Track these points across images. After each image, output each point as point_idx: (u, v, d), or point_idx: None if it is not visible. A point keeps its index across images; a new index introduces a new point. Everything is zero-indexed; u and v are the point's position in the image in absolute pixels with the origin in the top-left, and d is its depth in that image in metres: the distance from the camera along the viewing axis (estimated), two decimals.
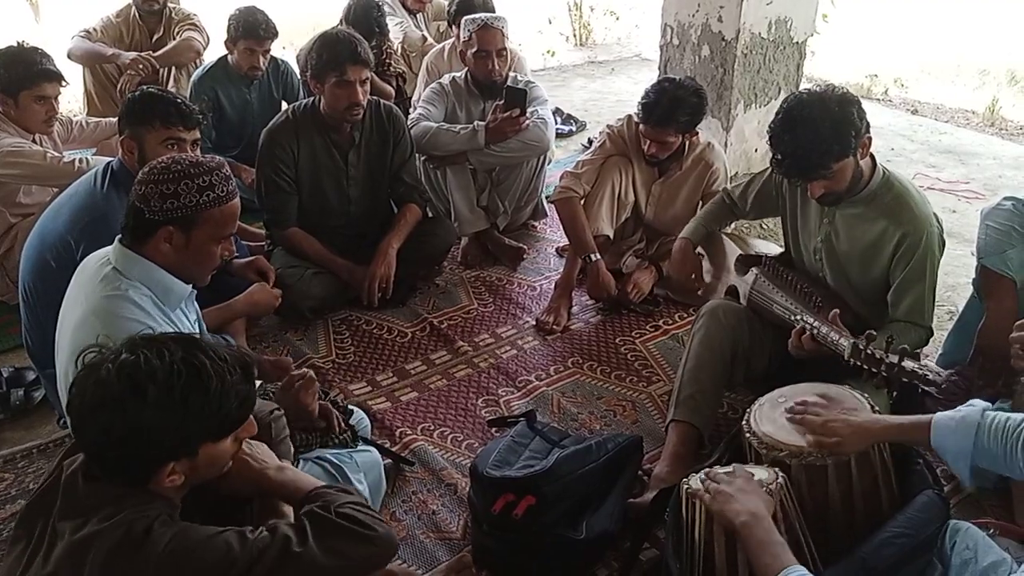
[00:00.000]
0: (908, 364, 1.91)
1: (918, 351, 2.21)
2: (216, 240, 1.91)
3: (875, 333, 2.00)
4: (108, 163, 2.46)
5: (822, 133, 2.13)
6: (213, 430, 1.35)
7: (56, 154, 3.13)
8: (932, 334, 2.39)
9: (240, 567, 1.29)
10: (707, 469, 1.80)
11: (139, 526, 1.27)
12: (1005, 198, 2.40)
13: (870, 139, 2.23)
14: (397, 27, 4.96)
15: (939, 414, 1.71)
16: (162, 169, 1.84)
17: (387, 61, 4.53)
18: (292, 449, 1.74)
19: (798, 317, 2.27)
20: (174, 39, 4.44)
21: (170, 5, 4.58)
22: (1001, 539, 1.83)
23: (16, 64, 3.05)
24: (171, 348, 1.32)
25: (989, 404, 1.72)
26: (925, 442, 1.71)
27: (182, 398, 1.28)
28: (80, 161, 3.08)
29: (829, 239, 2.43)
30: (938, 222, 2.34)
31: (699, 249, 2.90)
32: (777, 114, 2.24)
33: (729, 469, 1.75)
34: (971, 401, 1.74)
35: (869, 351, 1.97)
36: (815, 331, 2.16)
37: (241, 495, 1.54)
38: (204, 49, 4.55)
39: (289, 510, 1.53)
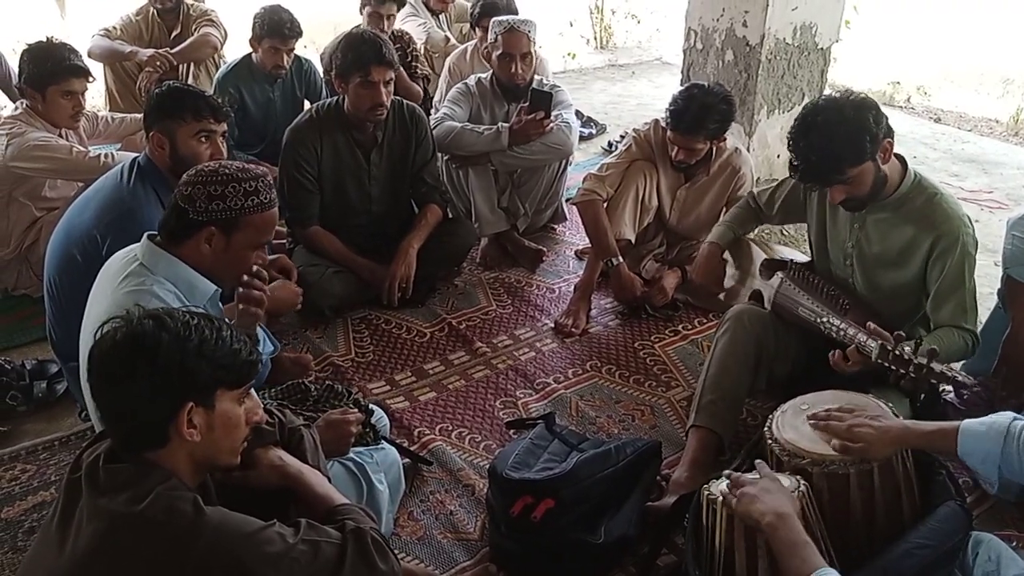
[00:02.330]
0: (937, 366, 1.89)
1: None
2: (253, 246, 1.97)
3: (904, 335, 1.99)
4: (134, 159, 2.48)
5: (836, 139, 2.13)
6: (228, 372, 1.38)
7: (82, 149, 3.16)
8: (978, 341, 2.29)
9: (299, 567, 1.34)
10: (729, 473, 1.78)
11: (182, 504, 1.29)
12: None
13: (891, 143, 2.21)
14: (420, 28, 4.98)
15: (967, 420, 1.69)
16: (210, 172, 1.89)
17: (414, 64, 4.55)
18: (324, 459, 1.75)
19: (824, 320, 2.25)
20: (192, 35, 4.49)
21: (187, 2, 4.62)
22: None
23: (44, 59, 3.08)
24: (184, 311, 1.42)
25: (1016, 414, 1.70)
26: (952, 448, 1.69)
27: (199, 332, 1.35)
28: (106, 156, 3.11)
29: (860, 244, 2.41)
30: (970, 223, 2.30)
31: (725, 254, 2.89)
32: (795, 120, 2.24)
33: (754, 474, 1.74)
34: (1003, 413, 1.72)
35: (897, 352, 1.95)
36: (842, 334, 2.15)
37: (272, 494, 1.56)
38: (222, 45, 4.60)
39: None
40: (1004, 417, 1.68)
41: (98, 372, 1.35)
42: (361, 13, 4.49)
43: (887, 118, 2.21)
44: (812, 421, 1.89)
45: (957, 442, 1.68)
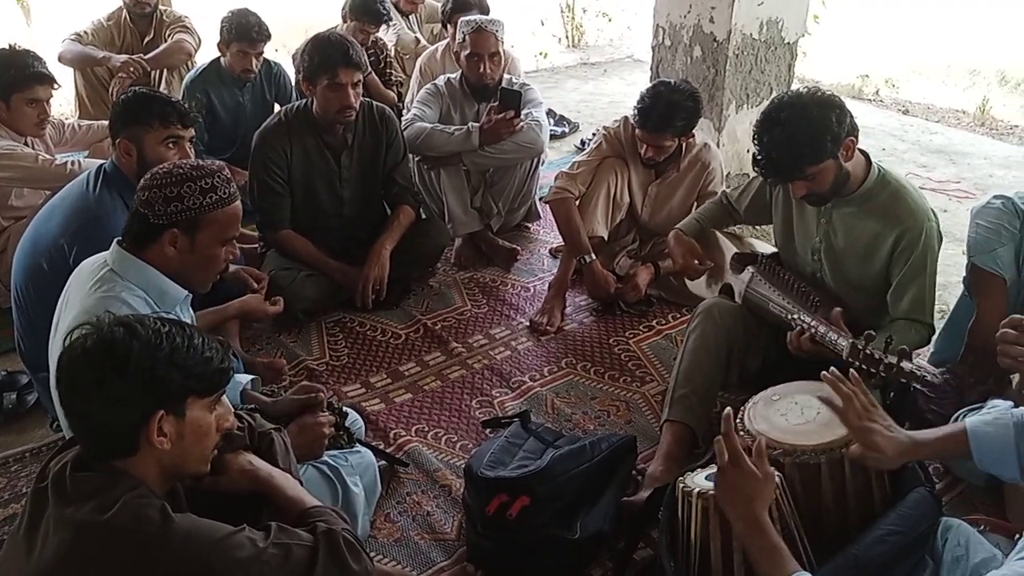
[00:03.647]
0: (907, 365, 1.90)
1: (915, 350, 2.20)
2: (220, 242, 1.94)
3: (874, 333, 2.00)
4: (101, 165, 2.46)
5: (796, 137, 2.15)
6: (199, 380, 1.38)
7: (48, 157, 3.11)
8: (934, 332, 2.38)
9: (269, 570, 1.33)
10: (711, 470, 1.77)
11: (150, 511, 1.28)
12: (995, 196, 2.41)
13: (854, 142, 2.24)
14: (390, 30, 4.96)
15: (970, 421, 1.69)
16: (164, 174, 1.87)
17: (388, 71, 4.54)
18: (296, 463, 1.75)
19: (795, 316, 2.27)
20: (165, 41, 4.44)
21: (161, 8, 4.57)
22: (992, 535, 1.84)
23: (8, 67, 3.04)
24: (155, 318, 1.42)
25: (1010, 403, 1.72)
26: (964, 453, 1.67)
27: (170, 340, 1.35)
28: (72, 163, 3.07)
29: (828, 238, 2.44)
30: (934, 217, 2.34)
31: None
32: (761, 115, 2.26)
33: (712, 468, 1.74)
34: (991, 402, 1.75)
35: (868, 351, 1.97)
36: (813, 331, 2.17)
37: (243, 498, 1.56)
38: (195, 51, 4.54)
39: None
40: (1003, 410, 1.68)
41: (68, 380, 1.34)
42: (343, 25, 4.46)
43: (851, 116, 2.23)
44: (825, 402, 1.80)
45: (970, 448, 1.66)
